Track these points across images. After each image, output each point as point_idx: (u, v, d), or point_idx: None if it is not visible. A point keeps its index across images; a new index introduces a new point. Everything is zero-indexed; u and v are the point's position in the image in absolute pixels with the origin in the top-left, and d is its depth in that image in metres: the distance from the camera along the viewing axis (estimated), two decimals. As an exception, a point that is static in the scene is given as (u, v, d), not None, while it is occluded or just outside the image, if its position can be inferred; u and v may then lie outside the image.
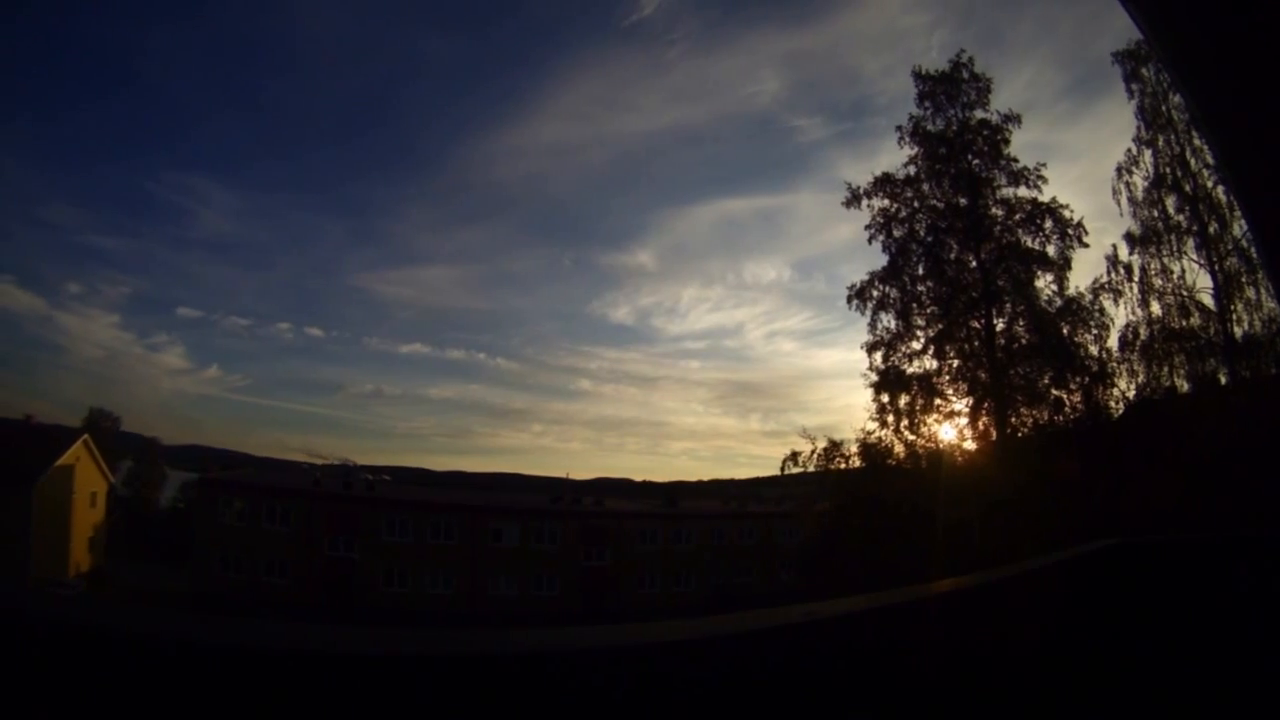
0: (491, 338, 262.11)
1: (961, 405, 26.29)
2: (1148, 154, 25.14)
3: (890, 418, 26.50)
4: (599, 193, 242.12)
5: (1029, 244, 25.66)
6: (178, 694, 2.02)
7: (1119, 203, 25.55)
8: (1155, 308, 24.87)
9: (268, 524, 52.14)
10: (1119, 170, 25.56)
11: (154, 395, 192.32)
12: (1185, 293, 24.37)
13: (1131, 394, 24.78)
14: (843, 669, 3.13)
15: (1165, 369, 24.43)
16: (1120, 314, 25.20)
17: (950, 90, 26.56)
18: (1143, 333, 24.80)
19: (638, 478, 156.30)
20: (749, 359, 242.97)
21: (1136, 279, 24.91)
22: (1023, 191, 26.04)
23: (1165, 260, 24.74)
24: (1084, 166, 78.73)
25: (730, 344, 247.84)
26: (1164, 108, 24.59)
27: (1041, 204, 25.60)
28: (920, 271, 27.02)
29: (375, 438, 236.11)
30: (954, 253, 26.47)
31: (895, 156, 27.42)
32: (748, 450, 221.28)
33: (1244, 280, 23.44)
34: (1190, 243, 24.52)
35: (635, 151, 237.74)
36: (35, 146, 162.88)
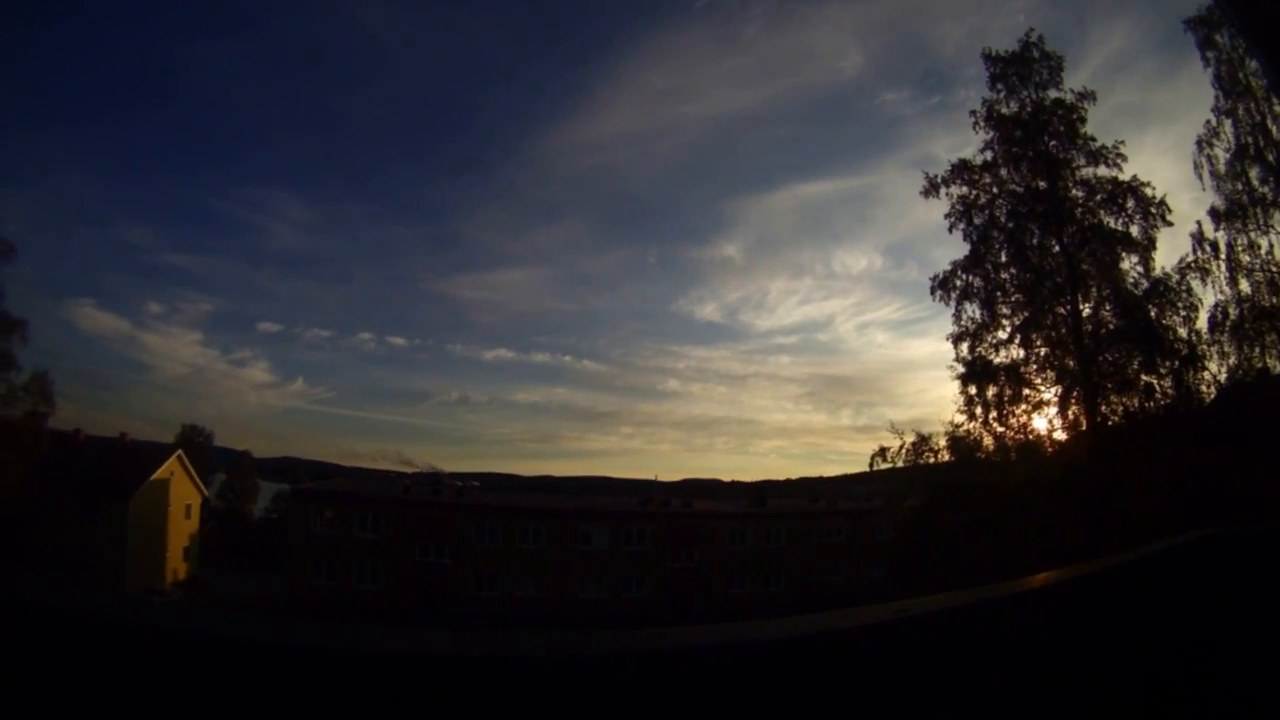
0: (576, 340, 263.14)
1: (1050, 394, 26.87)
2: (1228, 124, 24.88)
3: (978, 410, 27.15)
4: (679, 184, 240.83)
5: (1112, 225, 26.10)
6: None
7: (1201, 176, 25.36)
8: (1244, 286, 24.69)
9: (359, 531, 55.26)
10: (1199, 143, 25.35)
11: (242, 409, 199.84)
12: (1274, 269, 24.21)
13: (1223, 377, 24.71)
14: (937, 668, 3.06)
15: (1257, 349, 24.36)
16: (1208, 294, 25.14)
17: (1022, 71, 27.14)
18: (1232, 312, 24.69)
19: (726, 478, 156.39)
20: (840, 352, 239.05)
21: (1223, 256, 24.75)
22: (1102, 171, 26.52)
23: (1252, 235, 24.55)
24: (1182, 129, 75.39)
25: (821, 338, 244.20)
26: (1241, 75, 24.33)
27: (1122, 183, 26.03)
28: (1003, 259, 27.67)
29: (463, 444, 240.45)
30: (1036, 238, 26.98)
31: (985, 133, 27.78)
32: (838, 446, 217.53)
33: (1334, 253, 23.42)
34: (1277, 216, 24.34)
35: (713, 138, 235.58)
36: (104, 167, 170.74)
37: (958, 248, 27.68)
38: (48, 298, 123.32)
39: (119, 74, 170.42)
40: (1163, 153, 79.37)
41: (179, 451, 62.01)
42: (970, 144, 28.01)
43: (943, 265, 28.09)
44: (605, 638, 2.86)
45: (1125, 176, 26.06)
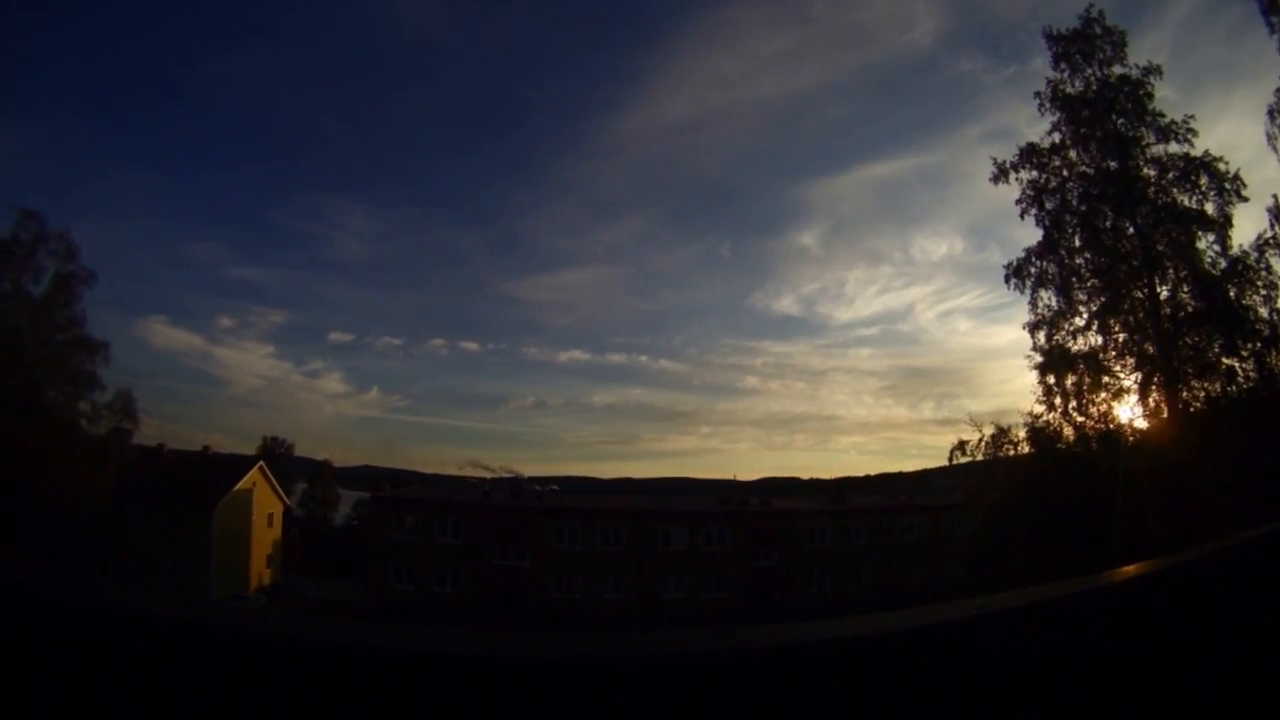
0: (652, 339, 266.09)
1: (1130, 382, 26.82)
2: (1297, 92, 24.23)
3: (1057, 399, 27.42)
4: (749, 172, 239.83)
5: (1186, 203, 26.05)
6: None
7: (1276, 147, 24.60)
8: (1323, 261, 24.30)
9: (439, 537, 57.47)
10: (1270, 112, 24.36)
11: (318, 420, 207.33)
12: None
13: (1307, 357, 24.32)
14: (1020, 665, 3.05)
15: (1340, 327, 23.96)
16: None
17: (1085, 49, 27.35)
18: (1313, 289, 24.32)
19: (805, 475, 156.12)
20: (921, 342, 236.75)
21: (1301, 231, 24.29)
22: (1173, 147, 26.51)
23: (1330, 208, 24.14)
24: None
25: (902, 328, 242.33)
26: (1309, 40, 23.73)
27: (1194, 159, 25.96)
28: (1077, 243, 27.90)
29: (541, 447, 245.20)
30: (1109, 220, 27.10)
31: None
32: (919, 440, 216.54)
33: None
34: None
35: (780, 121, 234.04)
36: (166, 183, 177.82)
37: (1037, 229, 27.77)
38: (119, 316, 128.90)
39: (181, 92, 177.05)
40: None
41: (260, 462, 65.29)
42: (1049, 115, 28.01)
43: (1025, 246, 28.40)
44: (683, 637, 2.86)
45: (1197, 152, 26.04)
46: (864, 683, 2.64)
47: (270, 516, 65.40)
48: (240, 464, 64.06)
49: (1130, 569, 4.40)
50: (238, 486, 59.95)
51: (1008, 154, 28.57)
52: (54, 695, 2.22)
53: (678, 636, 2.83)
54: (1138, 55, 27.00)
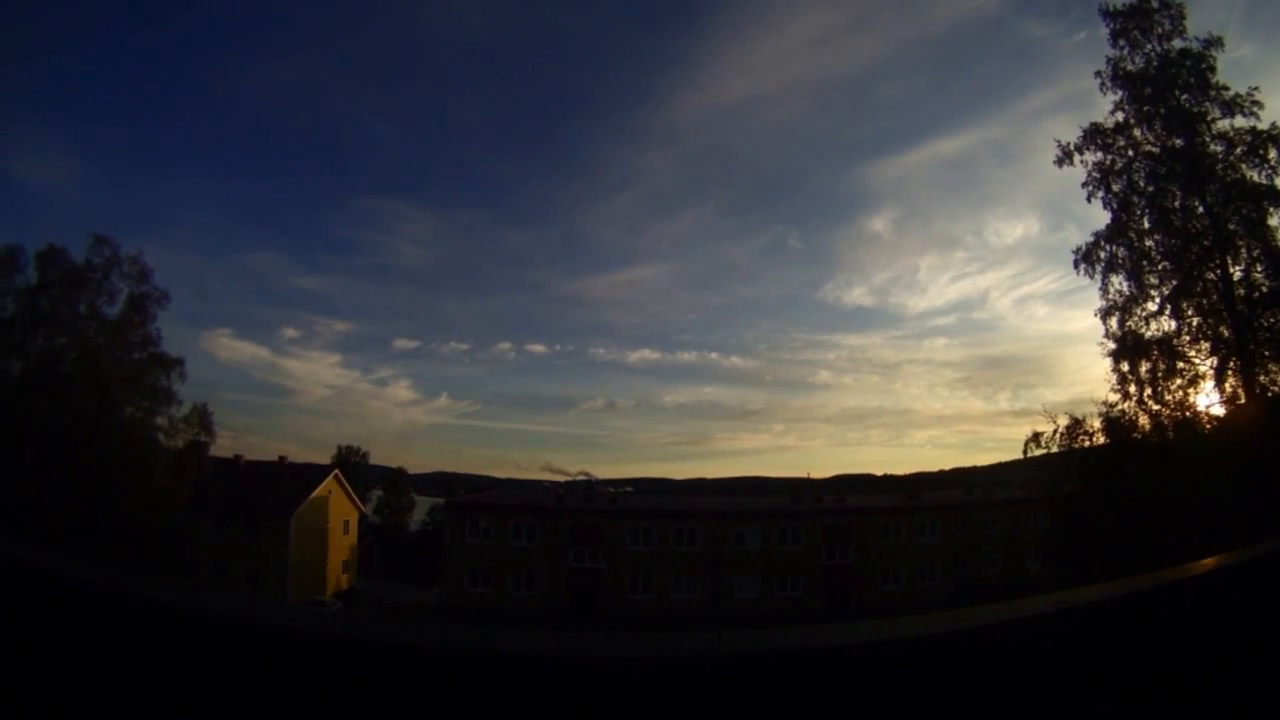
0: (721, 336, 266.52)
1: (1205, 366, 26.35)
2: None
3: (1131, 388, 27.25)
4: (811, 156, 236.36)
5: (1255, 179, 25.58)
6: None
7: None
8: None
9: (513, 540, 59.02)
10: None
11: (390, 427, 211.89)
12: None
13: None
14: (1100, 663, 2.99)
15: None
16: None
17: (1143, 23, 27.09)
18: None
19: (878, 472, 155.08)
20: (997, 330, 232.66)
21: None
22: (1239, 121, 26.06)
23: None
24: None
25: (978, 316, 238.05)
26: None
27: (1261, 132, 25.50)
28: (1146, 225, 27.62)
29: (613, 449, 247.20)
30: (1178, 200, 26.81)
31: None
32: (994, 434, 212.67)
33: None
34: None
35: (841, 99, 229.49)
36: (225, 193, 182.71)
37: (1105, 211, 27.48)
38: (184, 329, 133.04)
39: (237, 103, 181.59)
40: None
41: (335, 471, 67.42)
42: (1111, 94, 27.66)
43: (1095, 228, 28.11)
44: (752, 637, 2.73)
45: (1264, 125, 25.49)
46: (943, 682, 2.64)
47: (346, 523, 68.06)
48: (316, 473, 67.05)
49: (1210, 561, 4.18)
50: (314, 494, 62.79)
51: (1085, 120, 28.30)
52: (138, 697, 2.34)
53: (732, 637, 2.72)
54: (1210, 11, 26.57)
